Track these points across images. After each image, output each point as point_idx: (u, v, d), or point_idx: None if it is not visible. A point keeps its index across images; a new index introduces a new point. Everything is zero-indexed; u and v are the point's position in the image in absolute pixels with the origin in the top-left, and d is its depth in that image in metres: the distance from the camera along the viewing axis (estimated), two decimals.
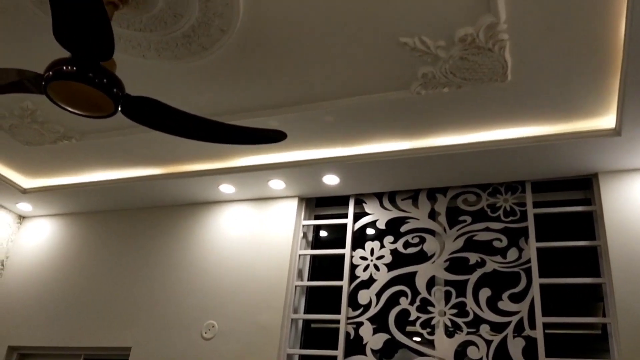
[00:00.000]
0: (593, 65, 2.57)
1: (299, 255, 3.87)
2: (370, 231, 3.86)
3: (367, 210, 3.86)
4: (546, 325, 3.17)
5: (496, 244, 3.46)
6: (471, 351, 3.23)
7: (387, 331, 3.45)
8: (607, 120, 2.95)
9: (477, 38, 2.40)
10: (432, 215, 3.70)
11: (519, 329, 3.21)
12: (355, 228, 3.84)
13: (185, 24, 2.46)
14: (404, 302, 3.49)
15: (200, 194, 4.09)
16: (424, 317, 3.41)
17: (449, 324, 3.35)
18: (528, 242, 3.38)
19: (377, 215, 3.82)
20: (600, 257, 3.26)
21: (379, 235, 3.77)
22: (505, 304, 3.28)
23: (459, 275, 3.45)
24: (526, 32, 2.39)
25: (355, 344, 3.48)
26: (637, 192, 3.22)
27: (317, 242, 4.07)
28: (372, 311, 3.53)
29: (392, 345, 3.43)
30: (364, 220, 3.84)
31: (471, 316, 3.32)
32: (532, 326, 3.17)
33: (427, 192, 3.76)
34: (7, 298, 4.45)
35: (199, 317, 3.79)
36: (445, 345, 3.29)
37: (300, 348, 3.67)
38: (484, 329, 3.27)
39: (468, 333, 3.29)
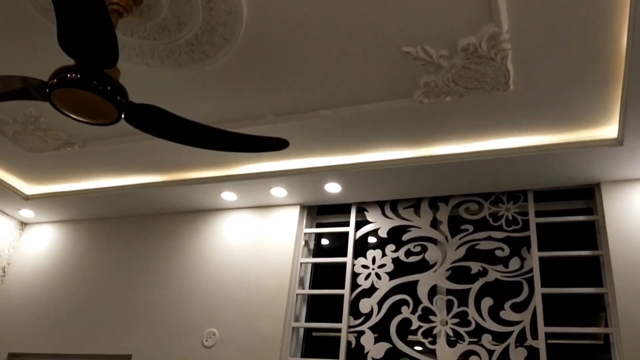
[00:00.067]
0: (595, 75, 2.58)
1: (301, 263, 3.87)
2: (372, 239, 3.85)
3: (369, 218, 3.86)
4: (548, 335, 3.16)
5: (498, 253, 3.45)
6: None
7: (389, 340, 3.44)
8: (609, 130, 2.95)
9: (480, 47, 2.41)
10: (434, 224, 3.70)
11: (521, 339, 3.19)
12: (357, 236, 3.84)
13: (188, 32, 2.47)
14: (405, 311, 3.48)
15: (202, 201, 4.10)
16: (425, 326, 3.40)
17: (450, 333, 3.34)
18: (530, 252, 3.38)
19: (379, 223, 3.82)
20: (603, 267, 3.25)
21: (381, 244, 3.77)
22: (507, 314, 3.27)
23: (460, 285, 3.44)
24: (528, 42, 2.40)
25: (357, 353, 3.47)
26: None
27: (318, 250, 4.06)
28: (374, 320, 3.52)
29: (393, 355, 3.41)
30: (366, 229, 3.84)
31: (473, 326, 3.31)
32: (535, 336, 3.16)
33: (429, 201, 3.76)
34: (8, 305, 4.44)
35: (199, 325, 3.78)
36: (447, 355, 3.28)
37: (301, 357, 3.65)
38: (486, 338, 3.25)
39: (470, 343, 3.28)
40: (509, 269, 3.38)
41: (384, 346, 3.43)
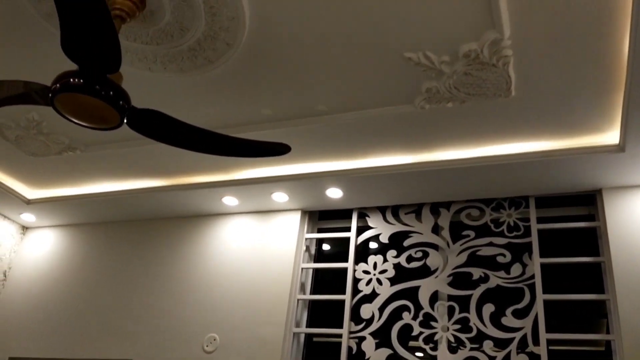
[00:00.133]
0: (597, 81, 2.58)
1: (302, 268, 3.86)
2: (373, 245, 3.85)
3: (370, 224, 3.86)
4: (550, 342, 3.15)
5: (500, 259, 3.44)
6: None
7: (390, 346, 3.43)
8: (610, 136, 2.95)
9: (482, 54, 2.42)
10: (436, 229, 3.70)
11: (522, 345, 3.19)
12: (358, 242, 3.84)
13: (191, 38, 2.48)
14: (406, 317, 3.47)
15: (204, 206, 4.10)
16: (426, 332, 3.39)
17: (452, 339, 3.33)
18: (532, 258, 3.37)
19: (380, 229, 3.81)
20: (604, 273, 3.24)
21: (382, 249, 3.77)
22: (508, 320, 3.26)
23: (462, 291, 3.43)
24: (530, 48, 2.40)
25: (358, 359, 3.46)
26: None
27: (319, 256, 4.06)
28: (375, 326, 3.51)
29: None
30: (367, 234, 3.84)
31: (474, 332, 3.30)
32: (536, 342, 3.15)
33: (431, 207, 3.76)
34: (9, 309, 4.44)
35: (200, 330, 3.77)
36: None
37: None
38: (488, 345, 3.24)
39: (471, 349, 3.27)
40: (511, 275, 3.38)
41: (385, 352, 3.42)
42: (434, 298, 3.49)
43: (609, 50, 2.39)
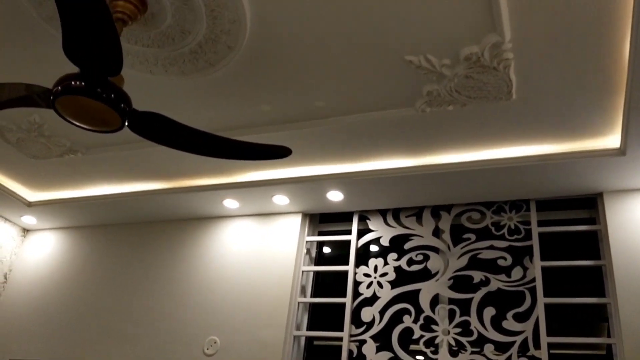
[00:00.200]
0: (598, 85, 2.58)
1: (302, 271, 3.86)
2: (374, 248, 3.85)
3: (371, 227, 3.86)
4: (551, 345, 3.14)
5: (500, 262, 3.44)
6: None
7: (390, 349, 3.43)
8: (611, 139, 2.95)
9: (482, 57, 2.42)
10: (436, 232, 3.70)
11: (523, 349, 3.18)
12: (359, 245, 3.84)
13: (192, 41, 2.49)
14: (407, 320, 3.47)
15: (205, 208, 4.10)
16: (427, 335, 3.39)
17: (452, 343, 3.33)
18: (533, 261, 3.37)
19: (381, 232, 3.81)
20: (605, 277, 3.24)
21: (383, 252, 3.76)
22: (509, 324, 3.26)
23: (463, 294, 3.43)
24: (531, 51, 2.41)
25: None
26: None
27: (320, 259, 4.06)
28: (375, 329, 3.51)
29: None
30: (368, 237, 3.84)
31: (475, 335, 3.29)
32: (537, 346, 3.14)
33: (432, 210, 3.76)
34: (10, 311, 4.44)
35: (201, 333, 3.77)
36: None
37: None
38: (488, 348, 3.24)
39: (472, 352, 3.26)
40: (512, 279, 3.37)
41: (385, 355, 3.41)
42: (435, 301, 3.49)
43: (610, 54, 2.39)
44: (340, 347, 3.50)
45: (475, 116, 2.88)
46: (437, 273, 3.55)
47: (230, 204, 3.99)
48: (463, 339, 3.31)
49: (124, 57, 2.44)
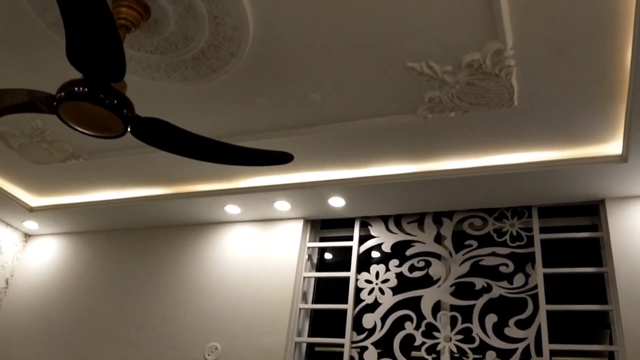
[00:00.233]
0: (600, 91, 2.58)
1: (304, 277, 3.86)
2: (375, 254, 3.85)
3: (372, 233, 3.85)
4: (553, 353, 3.13)
5: (502, 269, 3.43)
6: None
7: (392, 356, 3.42)
8: (613, 146, 2.95)
9: (484, 64, 2.42)
10: (438, 239, 3.69)
11: (525, 356, 3.17)
12: (361, 251, 3.83)
13: (195, 47, 2.49)
14: (409, 327, 3.46)
15: (206, 214, 4.10)
16: (429, 342, 3.38)
17: (454, 349, 3.32)
18: (535, 268, 3.36)
19: (383, 238, 3.81)
20: (607, 284, 3.23)
21: (385, 259, 3.76)
22: (511, 331, 3.25)
23: (465, 301, 3.42)
24: (533, 58, 2.41)
25: None
26: None
27: (322, 265, 4.05)
28: (377, 335, 3.50)
29: None
30: (370, 243, 3.83)
31: (477, 342, 3.28)
32: (539, 353, 3.13)
33: (433, 216, 3.76)
34: (12, 316, 4.44)
35: (202, 339, 3.76)
36: None
37: None
38: (490, 355, 3.23)
39: (474, 359, 3.25)
40: (514, 286, 3.37)
41: None
42: (437, 308, 3.48)
43: (612, 61, 2.39)
44: (341, 353, 3.49)
45: (477, 123, 2.88)
46: (438, 279, 3.54)
47: (232, 209, 3.99)
48: (465, 346, 3.30)
49: (127, 63, 2.45)
